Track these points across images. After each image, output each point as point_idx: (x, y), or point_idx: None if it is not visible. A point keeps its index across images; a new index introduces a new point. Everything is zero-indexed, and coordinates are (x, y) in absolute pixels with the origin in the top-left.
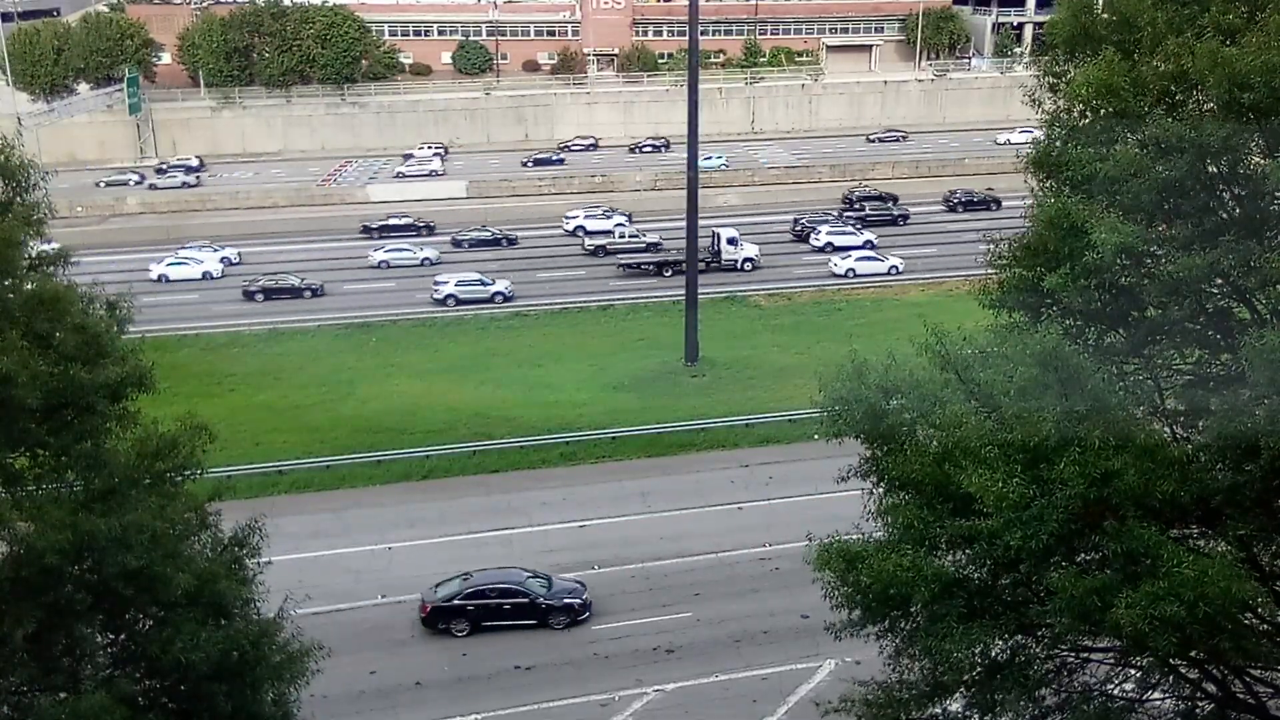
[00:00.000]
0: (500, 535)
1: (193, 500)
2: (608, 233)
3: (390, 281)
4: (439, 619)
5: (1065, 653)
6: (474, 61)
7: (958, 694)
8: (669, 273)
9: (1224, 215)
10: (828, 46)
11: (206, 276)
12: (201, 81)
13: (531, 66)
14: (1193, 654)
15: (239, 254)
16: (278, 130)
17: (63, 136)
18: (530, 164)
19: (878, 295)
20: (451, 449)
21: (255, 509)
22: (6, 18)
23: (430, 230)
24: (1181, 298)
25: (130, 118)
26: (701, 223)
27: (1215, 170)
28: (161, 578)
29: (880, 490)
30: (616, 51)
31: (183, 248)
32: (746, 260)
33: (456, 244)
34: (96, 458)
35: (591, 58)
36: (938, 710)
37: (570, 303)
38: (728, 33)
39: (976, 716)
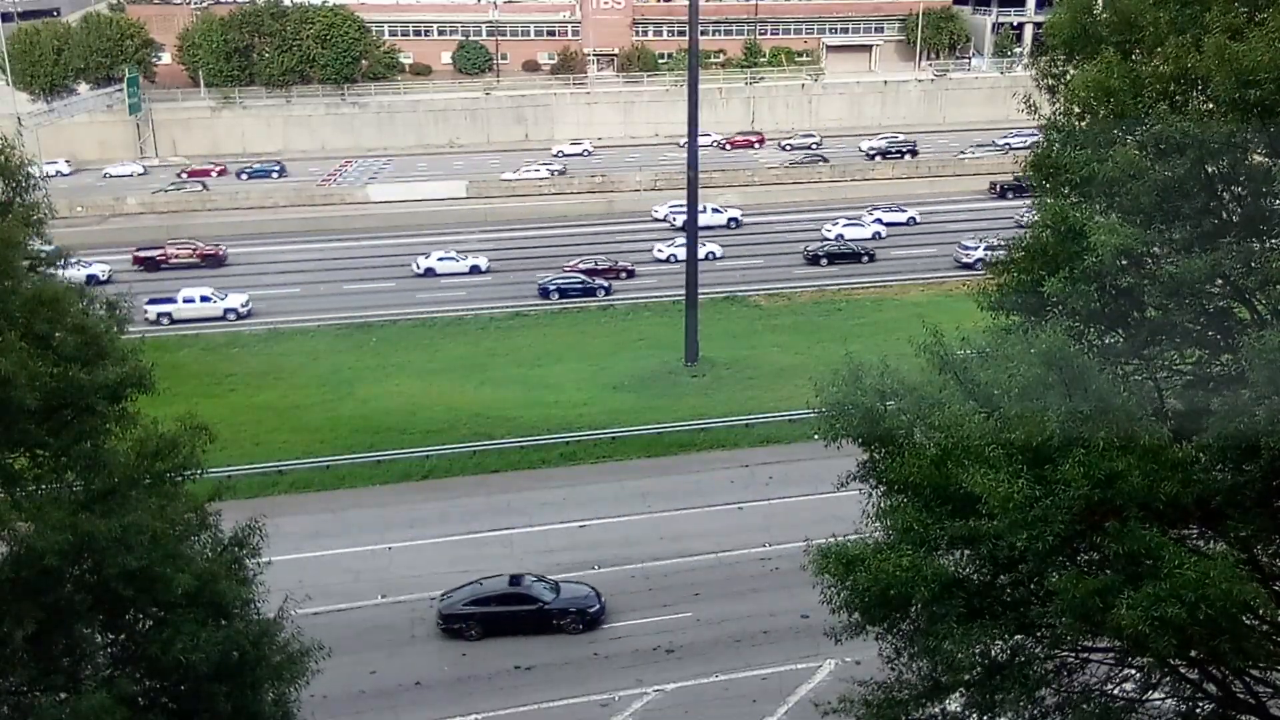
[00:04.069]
0: (500, 535)
1: (193, 500)
2: None
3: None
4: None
5: (1065, 653)
6: (474, 61)
7: (957, 694)
8: None
9: (1224, 216)
10: (828, 46)
11: (876, 236)
12: (201, 81)
13: (531, 66)
14: (1193, 654)
15: (914, 217)
16: (277, 130)
17: (63, 136)
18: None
19: (878, 295)
20: (451, 449)
21: (255, 509)
22: (6, 18)
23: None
24: (1182, 299)
25: (130, 118)
26: None
27: (1215, 170)
28: (161, 578)
29: (879, 493)
30: (616, 51)
31: (860, 210)
32: None
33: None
34: (96, 458)
35: (591, 58)
36: (937, 710)
37: (570, 303)
38: (728, 33)
39: (976, 716)
